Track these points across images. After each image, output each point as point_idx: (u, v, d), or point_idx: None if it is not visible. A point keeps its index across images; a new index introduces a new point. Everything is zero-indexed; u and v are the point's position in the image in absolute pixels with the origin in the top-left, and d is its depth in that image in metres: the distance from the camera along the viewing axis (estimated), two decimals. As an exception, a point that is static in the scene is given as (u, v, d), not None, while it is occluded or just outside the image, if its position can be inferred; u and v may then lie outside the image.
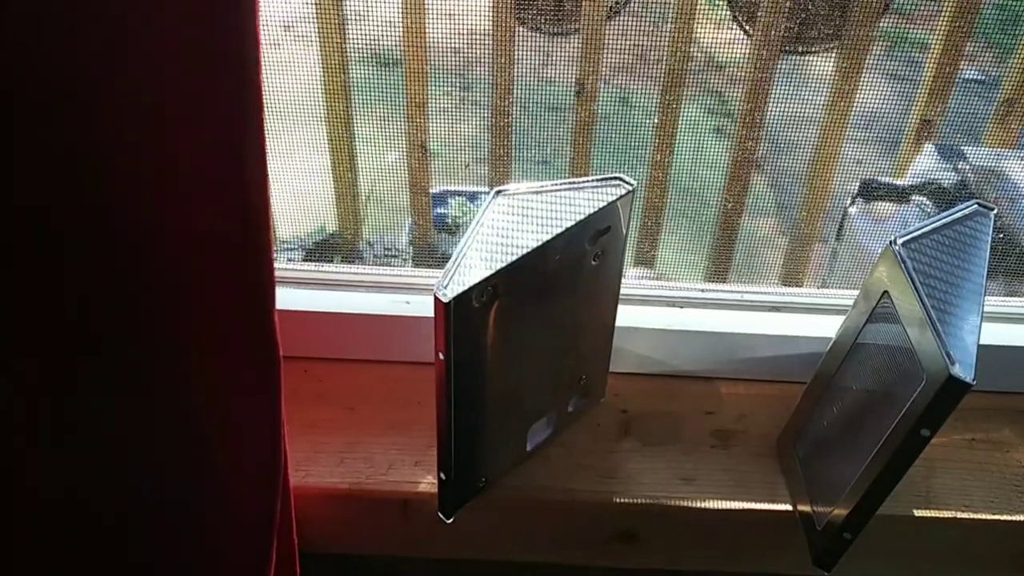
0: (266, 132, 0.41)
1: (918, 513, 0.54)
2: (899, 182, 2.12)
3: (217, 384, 0.39)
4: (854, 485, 0.47)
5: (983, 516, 0.54)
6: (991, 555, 0.55)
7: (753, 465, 0.56)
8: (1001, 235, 1.89)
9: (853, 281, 2.10)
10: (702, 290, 0.63)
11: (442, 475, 0.50)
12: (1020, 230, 1.83)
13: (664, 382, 0.61)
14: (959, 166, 2.08)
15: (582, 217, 0.47)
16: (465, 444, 0.49)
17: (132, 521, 0.41)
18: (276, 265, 0.64)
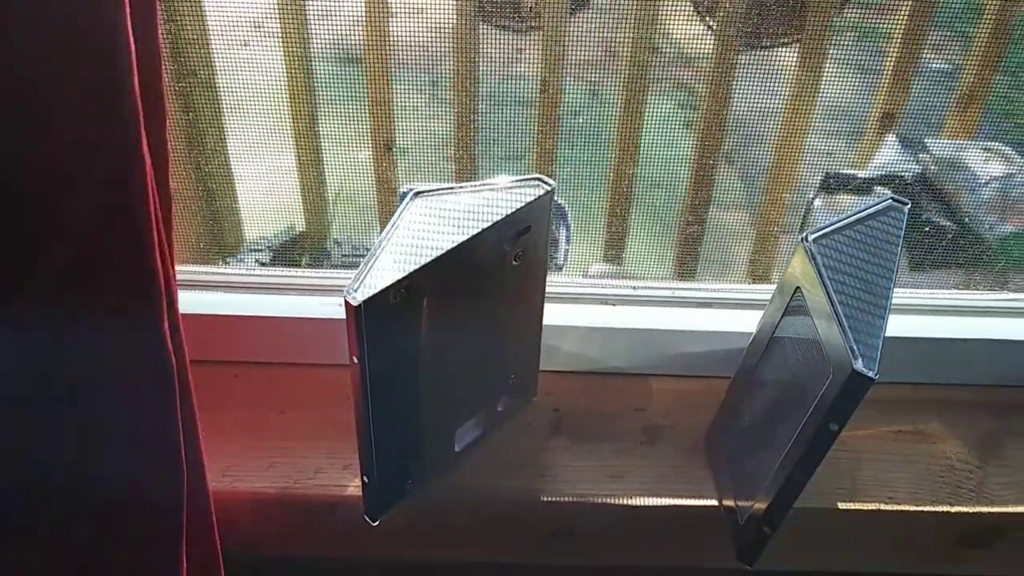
0: (168, 134, 0.41)
1: (842, 506, 0.54)
2: (862, 174, 2.14)
3: (108, 394, 0.38)
4: (771, 479, 0.48)
5: (907, 508, 0.54)
6: (915, 547, 0.56)
7: (681, 461, 0.57)
8: (959, 225, 1.91)
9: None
10: (634, 287, 0.63)
11: (365, 478, 0.50)
12: (978, 219, 1.85)
13: (596, 379, 0.61)
14: (921, 157, 2.10)
15: (499, 218, 0.47)
16: (388, 447, 0.49)
17: (31, 525, 0.41)
18: (206, 269, 0.64)
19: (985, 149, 1.98)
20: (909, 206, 0.50)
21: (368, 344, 0.44)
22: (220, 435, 0.56)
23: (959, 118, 2.19)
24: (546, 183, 0.50)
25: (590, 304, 0.62)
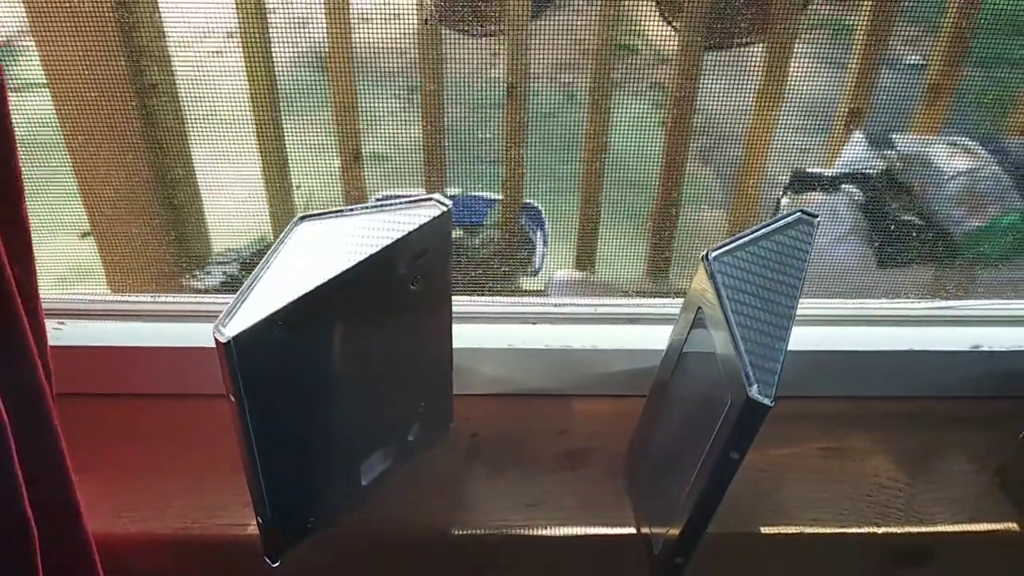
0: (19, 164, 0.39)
1: (764, 530, 0.52)
2: (828, 172, 2.12)
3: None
4: (680, 507, 0.46)
5: (831, 530, 0.52)
6: (841, 570, 0.54)
7: (602, 486, 0.55)
8: (925, 221, 1.90)
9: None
10: (556, 304, 0.61)
11: (259, 518, 0.47)
12: (944, 215, 1.84)
13: (517, 402, 0.59)
14: (887, 153, 2.09)
15: (390, 241, 0.45)
16: (281, 484, 0.47)
17: None
18: (95, 297, 0.61)
19: (951, 144, 1.97)
20: (819, 219, 0.48)
21: (246, 380, 0.42)
22: (118, 474, 0.54)
23: (926, 113, 2.19)
24: (441, 203, 0.48)
25: (511, 323, 0.60)
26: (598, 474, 0.55)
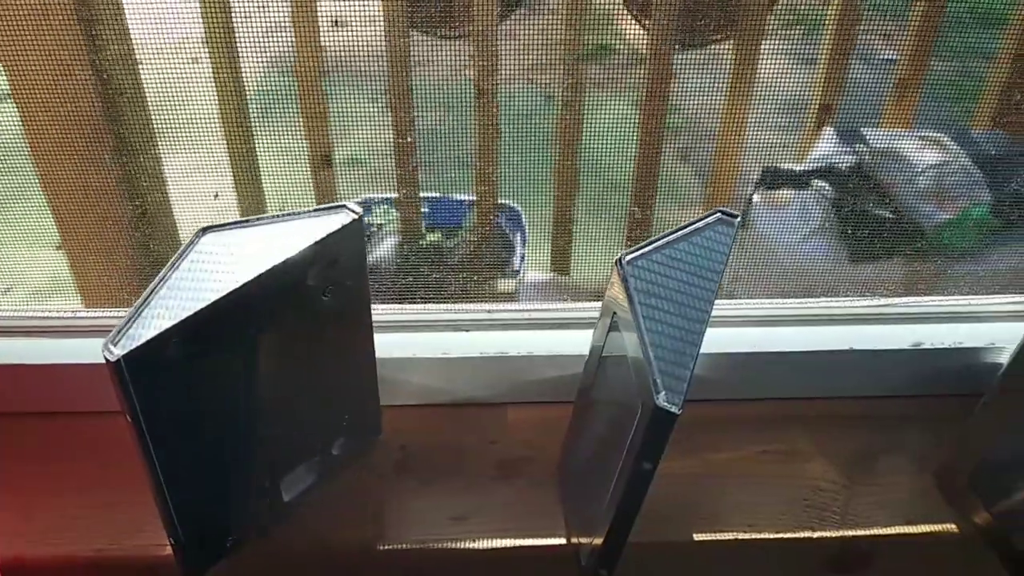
0: None
1: (698, 537, 0.51)
2: (799, 168, 2.12)
3: None
4: (602, 517, 0.45)
5: (766, 536, 0.51)
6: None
7: (534, 496, 0.53)
8: (895, 215, 1.89)
9: (755, 274, 2.08)
10: (489, 311, 0.60)
11: (171, 540, 0.46)
12: (914, 209, 1.84)
13: (450, 412, 0.58)
14: (858, 148, 2.09)
15: (296, 251, 0.44)
16: (191, 505, 0.45)
17: None
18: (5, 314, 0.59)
19: (921, 138, 1.97)
20: (739, 219, 0.47)
21: (142, 399, 0.40)
22: (35, 497, 0.52)
23: (896, 108, 2.18)
24: (352, 210, 0.46)
25: (442, 331, 0.59)
26: (530, 484, 0.54)
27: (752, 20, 2.18)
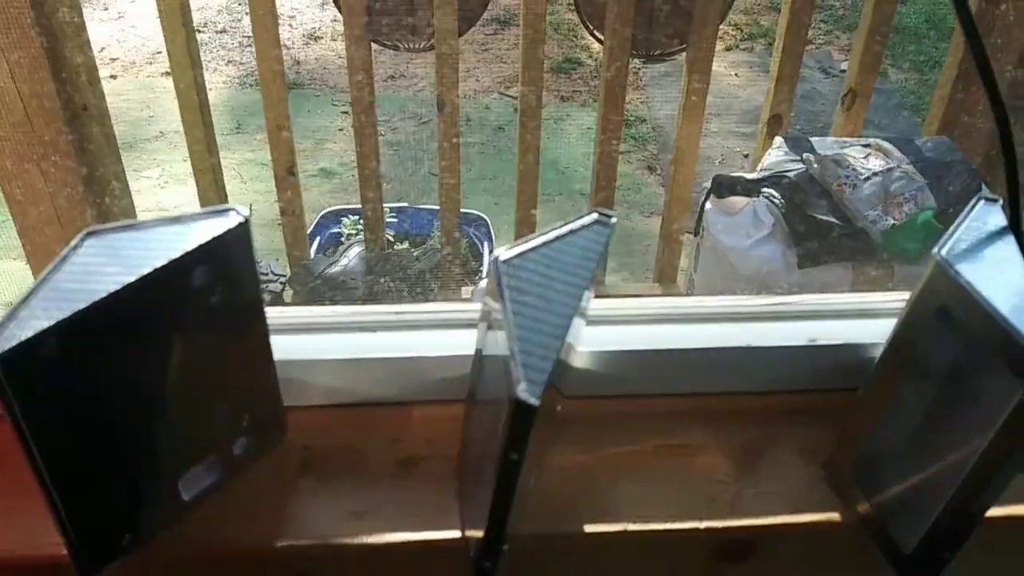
0: None
1: (589, 528, 0.53)
2: (750, 176, 2.15)
3: None
4: (485, 510, 0.46)
5: (656, 527, 0.53)
6: (666, 567, 0.54)
7: (432, 493, 0.54)
8: (843, 220, 1.92)
9: (713, 278, 2.10)
10: (397, 312, 0.61)
11: (64, 539, 0.47)
12: (858, 213, 1.86)
13: (354, 412, 0.59)
14: (806, 156, 2.11)
15: (180, 253, 0.45)
16: (81, 504, 0.46)
17: None
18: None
19: (867, 146, 2.00)
20: (615, 220, 0.49)
21: (22, 399, 0.41)
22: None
23: (844, 116, 2.21)
24: (240, 213, 0.48)
25: (349, 332, 0.60)
26: (430, 480, 0.55)
27: (705, 33, 2.20)
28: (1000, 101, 0.44)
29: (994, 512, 0.53)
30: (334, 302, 2.32)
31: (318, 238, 2.63)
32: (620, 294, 2.46)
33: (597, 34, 2.39)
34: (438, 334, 0.60)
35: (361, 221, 2.51)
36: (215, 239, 0.46)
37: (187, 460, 0.52)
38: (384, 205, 2.58)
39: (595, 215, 0.49)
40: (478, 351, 0.50)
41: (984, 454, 0.44)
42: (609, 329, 0.59)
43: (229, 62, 3.93)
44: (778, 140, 2.05)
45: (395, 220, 2.60)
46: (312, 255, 2.48)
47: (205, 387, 0.51)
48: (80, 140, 2.06)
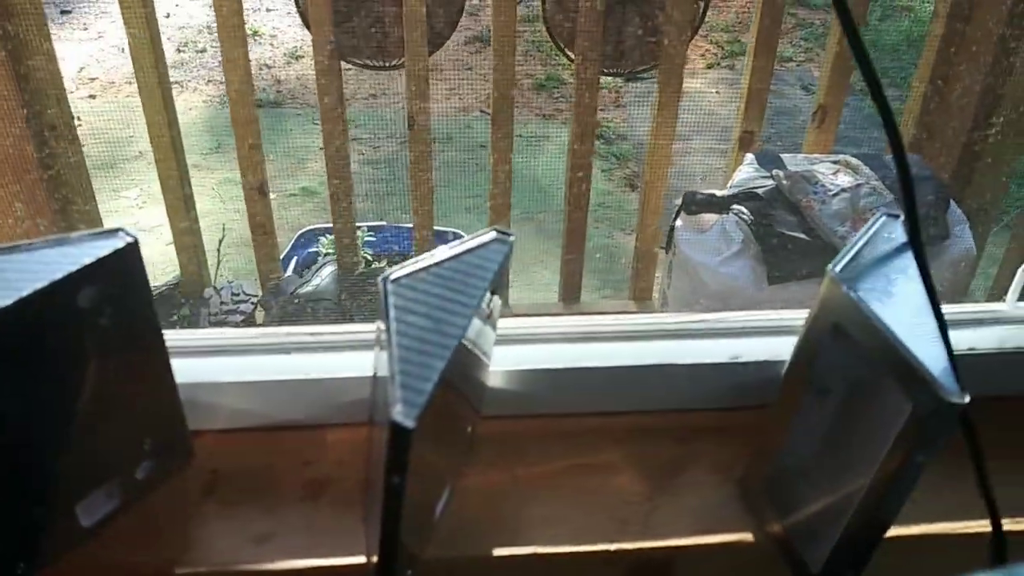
0: None
1: (498, 552, 0.52)
2: (720, 192, 2.15)
3: None
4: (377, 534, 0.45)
5: (566, 549, 0.52)
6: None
7: (339, 517, 0.53)
8: (811, 236, 1.92)
9: (684, 294, 2.09)
10: (312, 333, 0.60)
11: (-53, 567, 0.46)
12: (827, 229, 1.86)
13: (265, 435, 0.58)
14: (776, 173, 2.12)
15: (61, 275, 0.44)
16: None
17: None
18: None
19: (835, 162, 2.01)
20: (513, 238, 0.48)
21: None
22: None
23: (815, 133, 2.22)
24: (128, 235, 0.47)
25: (261, 354, 0.59)
26: (337, 504, 0.54)
27: (675, 51, 2.21)
28: (890, 115, 0.44)
29: (903, 531, 0.53)
30: (305, 322, 2.31)
31: (296, 257, 2.62)
32: (595, 311, 2.46)
33: (568, 52, 2.40)
34: (352, 355, 0.60)
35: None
36: (100, 260, 0.45)
37: (85, 485, 0.51)
38: (363, 224, 2.58)
39: (493, 233, 0.48)
40: (375, 373, 0.49)
41: (879, 472, 0.43)
42: (526, 348, 0.59)
43: (209, 81, 3.93)
44: (749, 157, 2.05)
45: (373, 239, 2.60)
46: (290, 274, 2.48)
47: (101, 411, 0.50)
48: (49, 160, 2.06)
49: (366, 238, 2.52)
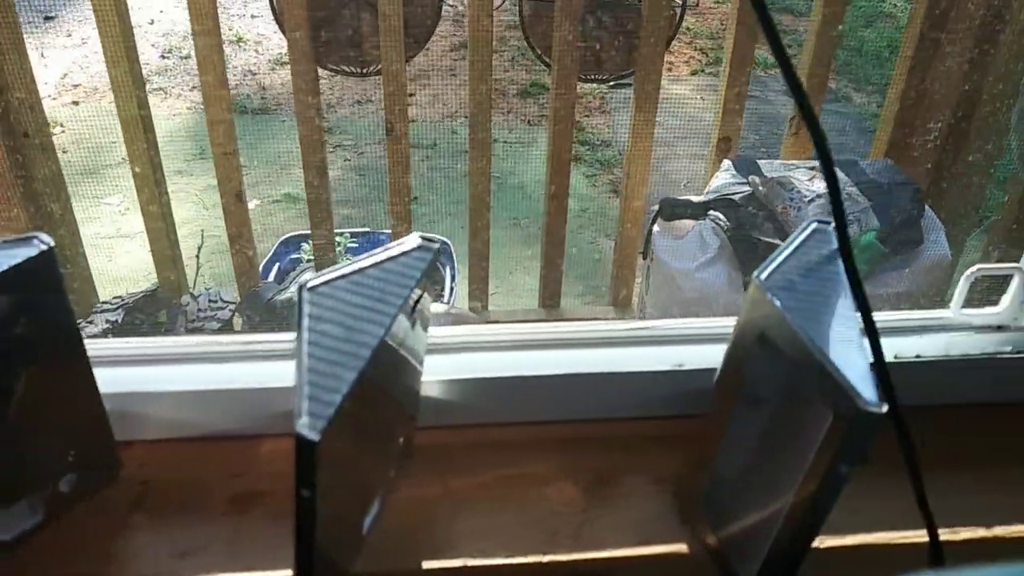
0: None
1: (427, 565, 0.51)
2: (696, 198, 2.15)
3: None
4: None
5: (495, 562, 0.51)
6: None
7: (268, 530, 0.52)
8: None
9: (662, 300, 2.08)
10: (246, 342, 0.59)
11: None
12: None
13: (198, 446, 0.57)
14: (752, 179, 2.12)
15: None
16: None
17: None
18: None
19: (811, 168, 2.01)
20: (438, 245, 0.47)
21: None
22: None
23: (792, 139, 2.23)
24: (43, 242, 0.46)
25: (196, 363, 0.58)
26: (267, 517, 0.53)
27: (650, 58, 2.20)
28: (817, 126, 0.43)
29: (843, 541, 0.52)
30: (282, 329, 2.30)
31: (278, 264, 2.60)
32: (575, 317, 2.45)
33: (545, 58, 2.40)
34: (287, 365, 0.58)
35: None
36: (14, 268, 0.44)
37: (4, 498, 0.50)
38: (346, 230, 2.57)
39: (417, 239, 0.47)
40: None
41: (804, 482, 0.43)
42: (461, 357, 0.58)
43: (193, 87, 3.92)
44: (726, 163, 2.05)
45: (356, 245, 2.59)
46: (269, 281, 2.46)
47: (20, 422, 0.49)
48: (23, 167, 2.05)
49: (349, 244, 2.51)
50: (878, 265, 1.89)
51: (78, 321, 0.71)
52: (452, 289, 2.71)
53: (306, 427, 0.38)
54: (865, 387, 0.40)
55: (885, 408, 0.39)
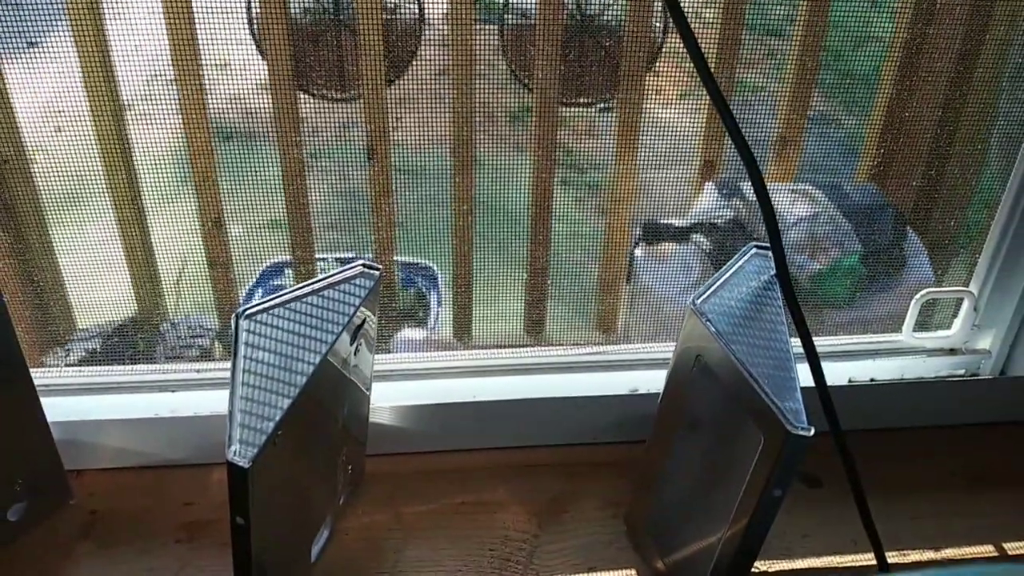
0: None
1: (372, 593, 0.51)
2: (679, 222, 2.16)
3: None
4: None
5: (441, 588, 0.51)
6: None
7: (217, 558, 0.52)
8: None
9: (646, 326, 2.10)
10: (198, 371, 0.60)
11: None
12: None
13: (151, 474, 0.57)
14: (735, 203, 2.14)
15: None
16: None
17: None
18: None
19: (794, 191, 2.03)
20: (381, 271, 0.48)
21: None
22: None
23: (776, 162, 2.25)
24: (-14, 274, 0.46)
25: (147, 392, 0.58)
26: (215, 545, 0.53)
27: (631, 82, 2.22)
28: (743, 141, 0.44)
29: (792, 565, 0.52)
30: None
31: (260, 289, 2.60)
32: (556, 343, 2.46)
33: (528, 84, 2.42)
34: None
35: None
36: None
37: (-52, 529, 0.50)
38: (329, 256, 2.57)
39: (360, 266, 0.48)
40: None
41: (740, 506, 0.43)
42: (411, 384, 0.58)
43: (176, 113, 3.94)
44: (709, 186, 2.07)
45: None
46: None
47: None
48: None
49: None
50: (861, 289, 1.90)
51: (55, 349, 0.71)
52: (437, 315, 2.71)
53: (237, 455, 0.38)
54: (793, 410, 0.40)
55: (812, 431, 0.39)
